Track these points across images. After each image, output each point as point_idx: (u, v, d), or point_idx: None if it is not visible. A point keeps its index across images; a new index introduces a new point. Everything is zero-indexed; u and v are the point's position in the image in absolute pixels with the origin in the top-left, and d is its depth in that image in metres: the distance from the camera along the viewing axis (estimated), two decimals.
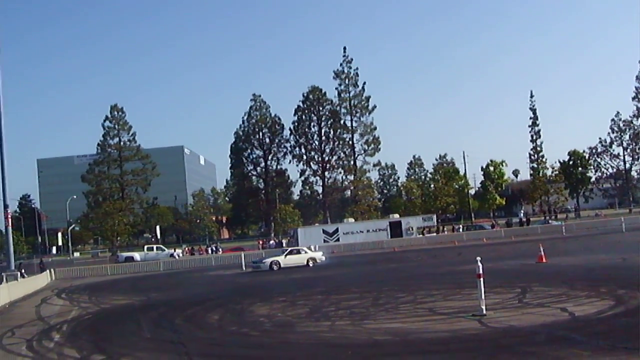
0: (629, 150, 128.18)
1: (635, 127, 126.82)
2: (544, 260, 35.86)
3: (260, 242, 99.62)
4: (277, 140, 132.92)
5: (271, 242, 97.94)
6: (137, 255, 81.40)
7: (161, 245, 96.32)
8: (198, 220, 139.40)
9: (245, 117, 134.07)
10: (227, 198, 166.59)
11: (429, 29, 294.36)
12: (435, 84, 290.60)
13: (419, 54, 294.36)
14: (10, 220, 50.81)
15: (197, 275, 53.45)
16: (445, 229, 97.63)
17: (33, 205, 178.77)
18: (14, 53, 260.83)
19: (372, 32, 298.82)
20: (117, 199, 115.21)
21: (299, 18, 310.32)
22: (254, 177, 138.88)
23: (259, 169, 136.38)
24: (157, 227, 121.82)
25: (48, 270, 64.82)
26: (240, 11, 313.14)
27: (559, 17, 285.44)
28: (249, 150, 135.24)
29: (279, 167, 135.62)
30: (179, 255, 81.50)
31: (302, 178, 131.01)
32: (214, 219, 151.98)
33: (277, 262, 51.59)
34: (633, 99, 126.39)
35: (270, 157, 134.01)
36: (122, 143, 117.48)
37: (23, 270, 58.05)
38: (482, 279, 18.81)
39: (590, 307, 18.82)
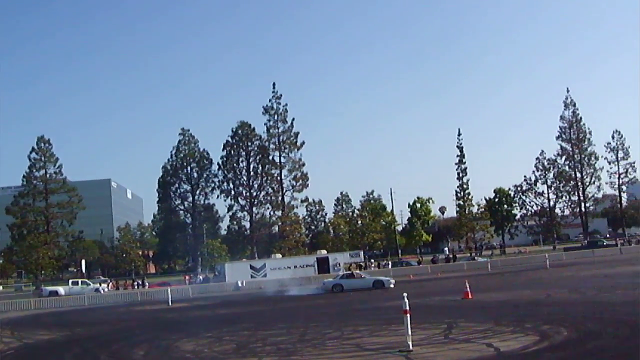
0: (553, 188, 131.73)
1: (559, 166, 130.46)
2: (469, 296, 36.20)
3: (187, 277, 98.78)
4: (205, 175, 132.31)
5: (199, 277, 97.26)
6: (61, 290, 79.88)
7: (86, 280, 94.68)
8: (124, 255, 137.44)
9: (173, 152, 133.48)
10: (154, 232, 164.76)
11: (356, 64, 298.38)
12: (362, 121, 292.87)
13: (346, 90, 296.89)
14: None
15: (122, 310, 52.59)
16: (372, 265, 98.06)
17: None
18: None
19: (300, 68, 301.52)
20: (42, 232, 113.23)
21: (229, 53, 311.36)
22: (181, 212, 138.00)
23: (186, 203, 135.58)
24: (83, 261, 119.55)
25: None
26: (170, 46, 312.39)
27: (484, 55, 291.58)
28: (176, 185, 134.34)
29: (206, 202, 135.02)
30: (104, 290, 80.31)
31: (230, 213, 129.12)
32: (140, 253, 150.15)
33: None
34: (557, 138, 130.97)
35: (198, 192, 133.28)
36: (48, 175, 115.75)
37: None
38: (408, 315, 18.90)
39: (515, 343, 19.05)
